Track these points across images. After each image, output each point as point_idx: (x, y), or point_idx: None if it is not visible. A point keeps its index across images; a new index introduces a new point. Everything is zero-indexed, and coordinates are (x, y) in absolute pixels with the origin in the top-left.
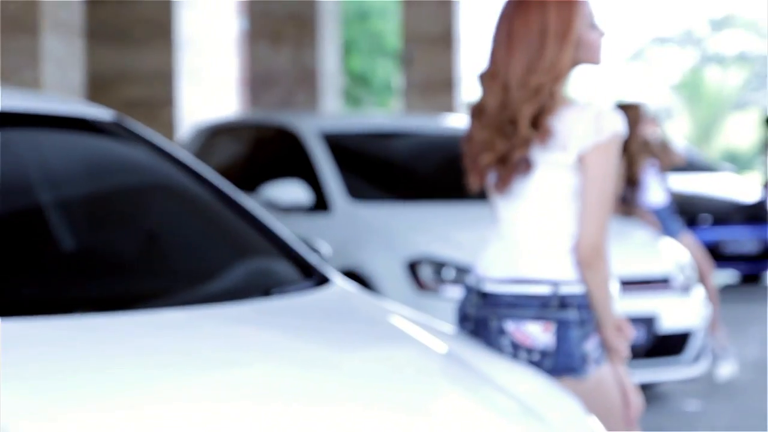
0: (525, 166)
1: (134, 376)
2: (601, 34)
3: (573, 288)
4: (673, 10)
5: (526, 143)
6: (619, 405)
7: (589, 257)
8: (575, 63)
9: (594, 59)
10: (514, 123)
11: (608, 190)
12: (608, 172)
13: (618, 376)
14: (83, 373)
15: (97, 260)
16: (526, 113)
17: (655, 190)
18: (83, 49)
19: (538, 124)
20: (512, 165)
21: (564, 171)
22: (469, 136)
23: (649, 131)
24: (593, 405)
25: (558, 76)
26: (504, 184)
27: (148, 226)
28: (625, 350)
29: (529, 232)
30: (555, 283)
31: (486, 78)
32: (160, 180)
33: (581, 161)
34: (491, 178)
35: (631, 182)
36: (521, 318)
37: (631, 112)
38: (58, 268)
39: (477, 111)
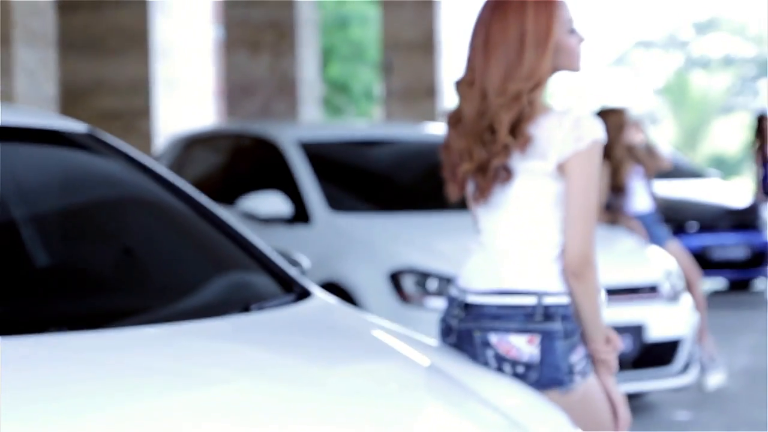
0: (505, 174)
1: (111, 396)
2: (581, 40)
3: (557, 299)
4: (657, 14)
5: (506, 151)
6: (608, 418)
7: (578, 267)
8: (554, 69)
9: (573, 66)
10: (493, 131)
11: (592, 198)
12: (591, 179)
13: (606, 388)
14: (58, 393)
15: (72, 277)
16: (504, 121)
17: (641, 197)
18: (57, 60)
19: (517, 131)
20: (491, 174)
21: (544, 179)
22: (446, 145)
23: (633, 136)
24: (581, 418)
25: (537, 82)
26: (483, 193)
27: (124, 241)
28: (614, 362)
29: (512, 242)
30: (539, 294)
31: (463, 85)
32: (135, 193)
33: (562, 170)
34: (470, 187)
35: (616, 189)
36: (505, 330)
37: (615, 117)
38: (32, 285)
39: (454, 119)
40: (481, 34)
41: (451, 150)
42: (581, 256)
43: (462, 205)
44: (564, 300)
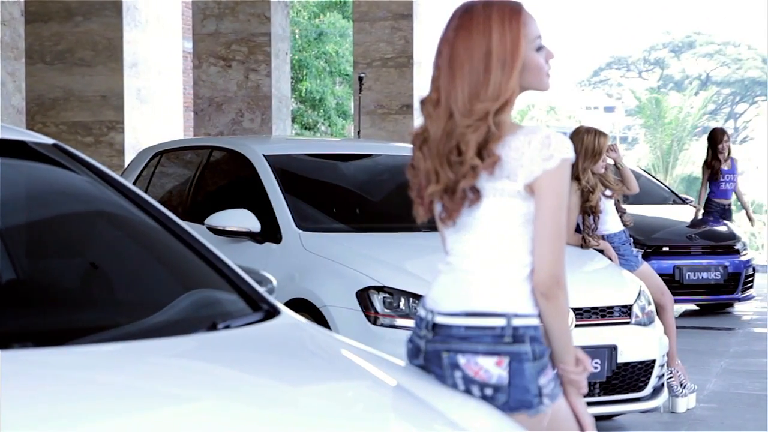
0: (473, 196)
1: (76, 414)
2: (549, 57)
3: (527, 320)
4: (634, 33)
5: (473, 173)
6: None
7: (547, 288)
8: (522, 88)
9: (541, 84)
10: (460, 152)
11: (562, 218)
12: (561, 199)
13: (575, 409)
14: (22, 411)
15: (38, 291)
16: (471, 142)
17: (611, 218)
18: (27, 72)
19: (485, 152)
20: (459, 196)
21: (513, 199)
22: (413, 165)
23: (604, 162)
24: None
25: (505, 102)
26: (451, 215)
27: (91, 256)
28: (583, 383)
29: (480, 263)
30: (508, 316)
31: (428, 105)
32: (102, 208)
33: (531, 189)
34: (438, 208)
35: (587, 211)
36: (473, 352)
37: (592, 139)
38: None
39: (420, 140)
40: (446, 53)
41: (418, 171)
42: (551, 277)
43: (432, 224)
44: (533, 322)
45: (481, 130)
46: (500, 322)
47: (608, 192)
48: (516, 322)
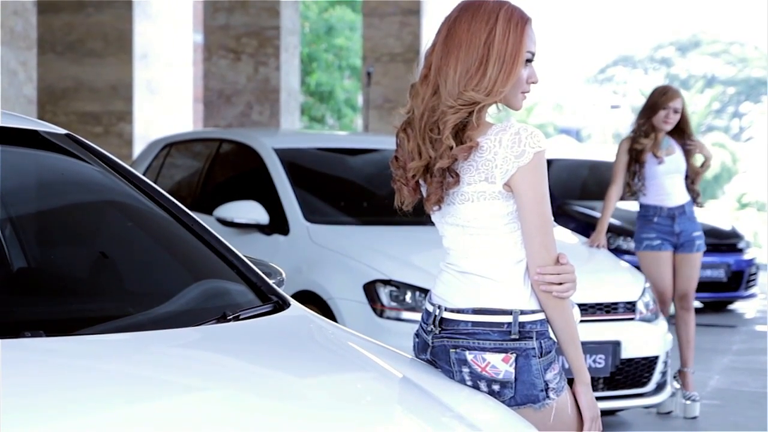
0: (452, 180)
1: (84, 404)
2: (532, 78)
3: (532, 317)
4: (640, 31)
5: (449, 154)
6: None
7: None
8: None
9: (515, 101)
10: (439, 130)
11: (546, 209)
12: (540, 191)
13: (579, 400)
14: (31, 400)
15: (49, 280)
16: (449, 123)
17: (653, 189)
18: (38, 62)
19: (463, 137)
20: (437, 179)
21: (495, 201)
22: (396, 157)
23: (664, 122)
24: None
25: (493, 100)
26: (430, 199)
27: (101, 246)
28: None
29: (478, 263)
30: (514, 313)
31: (417, 83)
32: (113, 198)
33: (511, 188)
34: (424, 193)
35: (633, 156)
36: (481, 348)
37: (657, 93)
38: (8, 287)
39: (405, 123)
40: (444, 31)
41: (402, 155)
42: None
43: None
44: (539, 317)
45: (461, 114)
46: (507, 318)
47: (659, 155)
48: (522, 318)
